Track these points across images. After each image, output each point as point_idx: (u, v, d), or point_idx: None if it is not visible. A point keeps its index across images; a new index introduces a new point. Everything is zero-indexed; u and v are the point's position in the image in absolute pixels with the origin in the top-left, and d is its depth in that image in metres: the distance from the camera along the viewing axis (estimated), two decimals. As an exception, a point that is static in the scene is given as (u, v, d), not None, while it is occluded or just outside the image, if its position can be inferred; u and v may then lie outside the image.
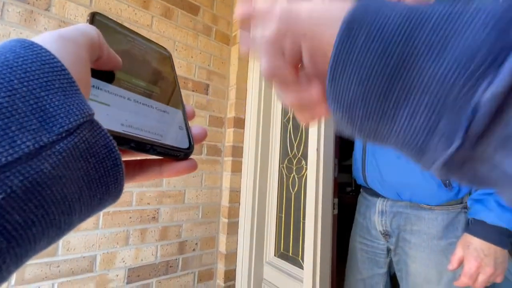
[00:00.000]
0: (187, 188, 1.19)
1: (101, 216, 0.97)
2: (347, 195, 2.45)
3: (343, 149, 1.13)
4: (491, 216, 0.57)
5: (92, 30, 0.17)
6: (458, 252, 0.60)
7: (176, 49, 1.18)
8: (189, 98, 1.22)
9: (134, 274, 1.03)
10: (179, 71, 1.19)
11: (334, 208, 0.98)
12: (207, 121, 1.28)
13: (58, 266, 0.88)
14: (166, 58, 0.25)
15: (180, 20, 1.20)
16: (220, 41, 1.34)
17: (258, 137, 1.28)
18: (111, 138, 0.14)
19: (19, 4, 0.84)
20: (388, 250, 0.79)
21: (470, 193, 0.69)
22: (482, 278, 0.57)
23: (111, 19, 0.22)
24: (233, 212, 1.28)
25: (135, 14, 1.08)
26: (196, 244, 1.21)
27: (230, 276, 1.25)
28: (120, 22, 0.23)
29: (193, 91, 1.23)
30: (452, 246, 0.66)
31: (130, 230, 1.03)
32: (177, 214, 1.16)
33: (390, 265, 0.81)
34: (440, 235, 0.67)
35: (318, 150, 0.95)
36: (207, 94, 1.28)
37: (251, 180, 1.25)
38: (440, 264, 0.66)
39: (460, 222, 0.67)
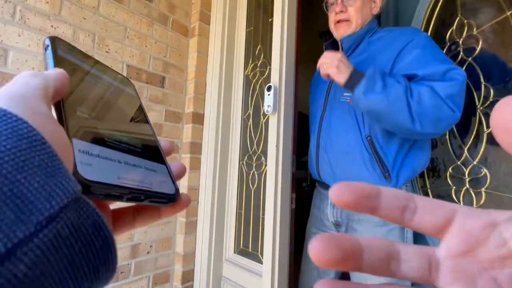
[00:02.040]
0: (140, 187, 1.11)
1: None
2: (303, 190, 2.57)
3: (299, 146, 1.18)
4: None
5: (36, 77, 0.14)
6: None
7: (127, 37, 1.09)
8: (143, 90, 1.13)
9: (77, 284, 0.92)
10: (131, 61, 1.10)
11: (292, 203, 1.01)
12: (163, 115, 1.20)
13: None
14: (134, 97, 0.25)
15: (132, 5, 1.10)
16: (177, 31, 1.27)
17: (218, 133, 1.25)
18: (100, 214, 0.13)
19: None
20: None
21: (406, 185, 0.78)
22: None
23: (71, 45, 0.20)
24: (191, 211, 1.23)
25: (78, -7, 0.96)
26: (150, 246, 1.14)
27: (188, 277, 1.21)
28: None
29: (147, 83, 1.15)
30: (392, 232, 0.74)
31: (73, 235, 0.92)
32: (129, 216, 1.07)
33: None
34: (381, 222, 0.75)
35: (277, 146, 0.97)
36: (163, 87, 1.21)
37: (210, 177, 1.22)
38: None
39: None
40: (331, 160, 0.82)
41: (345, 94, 0.82)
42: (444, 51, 1.03)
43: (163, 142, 0.23)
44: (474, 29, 0.95)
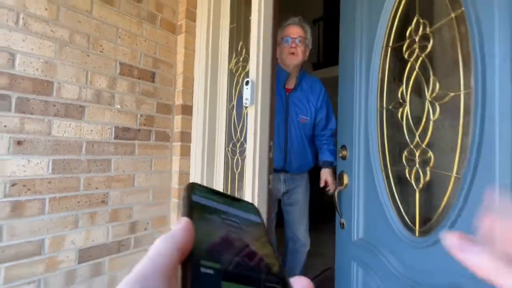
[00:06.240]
0: (136, 173, 1.26)
1: (47, 202, 0.99)
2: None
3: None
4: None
5: (164, 245, 0.14)
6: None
7: (119, 37, 1.19)
8: (135, 85, 1.25)
9: (85, 254, 1.08)
10: (123, 59, 1.21)
11: (269, 183, 1.16)
12: (155, 108, 1.33)
13: (3, 251, 0.90)
14: (268, 244, 0.20)
15: (122, 7, 1.20)
16: (165, 29, 1.37)
17: (205, 123, 1.39)
18: None
19: None
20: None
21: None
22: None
23: (207, 188, 0.21)
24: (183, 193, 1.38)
25: (73, -2, 1.06)
26: (147, 223, 1.29)
27: (181, 250, 1.38)
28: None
29: (139, 78, 1.27)
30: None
31: (79, 214, 1.07)
32: (127, 198, 1.22)
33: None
34: (306, 184, 1.69)
35: (255, 134, 1.11)
36: (153, 82, 1.33)
37: (199, 163, 1.37)
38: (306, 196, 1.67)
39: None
40: (293, 156, 1.58)
41: (299, 115, 1.55)
42: (404, 47, 1.15)
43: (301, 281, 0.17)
44: (427, 28, 1.07)
